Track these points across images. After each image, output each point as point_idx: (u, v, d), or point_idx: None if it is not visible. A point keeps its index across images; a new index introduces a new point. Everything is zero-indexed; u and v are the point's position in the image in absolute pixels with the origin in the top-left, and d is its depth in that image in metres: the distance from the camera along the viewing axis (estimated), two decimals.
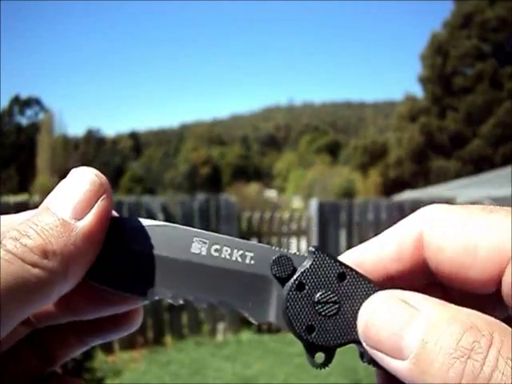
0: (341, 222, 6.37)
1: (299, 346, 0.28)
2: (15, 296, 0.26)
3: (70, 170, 0.31)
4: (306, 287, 0.30)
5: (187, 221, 5.58)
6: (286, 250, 0.32)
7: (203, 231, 0.33)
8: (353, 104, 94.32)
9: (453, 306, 0.27)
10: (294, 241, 6.45)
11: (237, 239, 0.33)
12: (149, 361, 5.02)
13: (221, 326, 5.75)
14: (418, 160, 25.55)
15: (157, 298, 0.32)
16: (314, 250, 0.31)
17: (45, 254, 0.28)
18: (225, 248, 0.32)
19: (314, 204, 6.41)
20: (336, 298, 0.30)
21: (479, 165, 21.85)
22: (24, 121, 51.36)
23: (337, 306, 0.30)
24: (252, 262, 0.32)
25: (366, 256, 0.32)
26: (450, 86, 25.21)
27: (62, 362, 0.36)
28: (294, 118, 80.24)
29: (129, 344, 5.17)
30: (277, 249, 0.32)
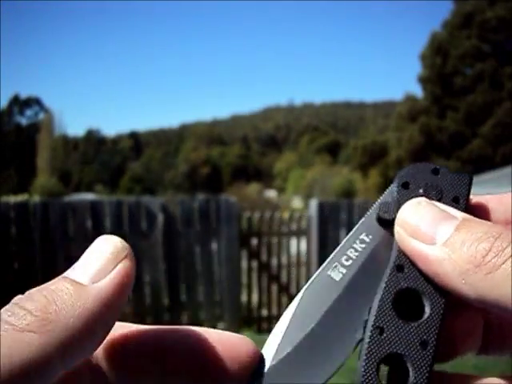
0: (341, 222, 6.37)
1: None
2: (11, 370, 0.23)
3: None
4: (411, 186, 0.32)
5: (187, 221, 5.58)
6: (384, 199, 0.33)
7: (327, 263, 0.33)
8: (353, 104, 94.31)
9: None
10: (294, 241, 6.46)
11: (344, 242, 0.33)
12: None
13: (221, 326, 5.74)
14: (418, 160, 25.02)
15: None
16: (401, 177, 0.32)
17: (45, 314, 0.25)
18: (349, 251, 0.33)
19: (313, 204, 6.41)
20: (436, 187, 0.32)
21: (479, 165, 21.84)
22: (24, 121, 51.36)
23: (439, 191, 0.31)
24: (370, 237, 0.33)
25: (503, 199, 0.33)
26: (450, 85, 25.21)
27: None
28: (294, 118, 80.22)
29: None
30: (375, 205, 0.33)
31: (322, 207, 6.27)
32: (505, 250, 0.25)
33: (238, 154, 61.47)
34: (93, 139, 59.43)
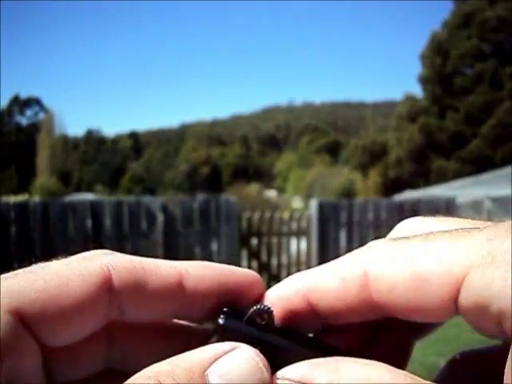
0: (341, 222, 6.38)
1: None
2: None
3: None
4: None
5: (187, 221, 5.58)
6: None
7: None
8: (353, 104, 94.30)
9: None
10: (294, 241, 6.46)
11: None
12: None
13: None
14: (418, 160, 25.54)
15: None
16: (221, 323, 0.25)
17: None
18: None
19: (313, 204, 6.42)
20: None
21: (479, 165, 21.84)
22: (24, 121, 51.39)
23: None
24: None
25: (310, 288, 0.28)
26: (450, 86, 25.22)
27: None
28: (294, 118, 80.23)
29: None
30: None
31: (321, 207, 6.27)
32: None
33: (238, 154, 61.48)
34: (93, 139, 59.42)
